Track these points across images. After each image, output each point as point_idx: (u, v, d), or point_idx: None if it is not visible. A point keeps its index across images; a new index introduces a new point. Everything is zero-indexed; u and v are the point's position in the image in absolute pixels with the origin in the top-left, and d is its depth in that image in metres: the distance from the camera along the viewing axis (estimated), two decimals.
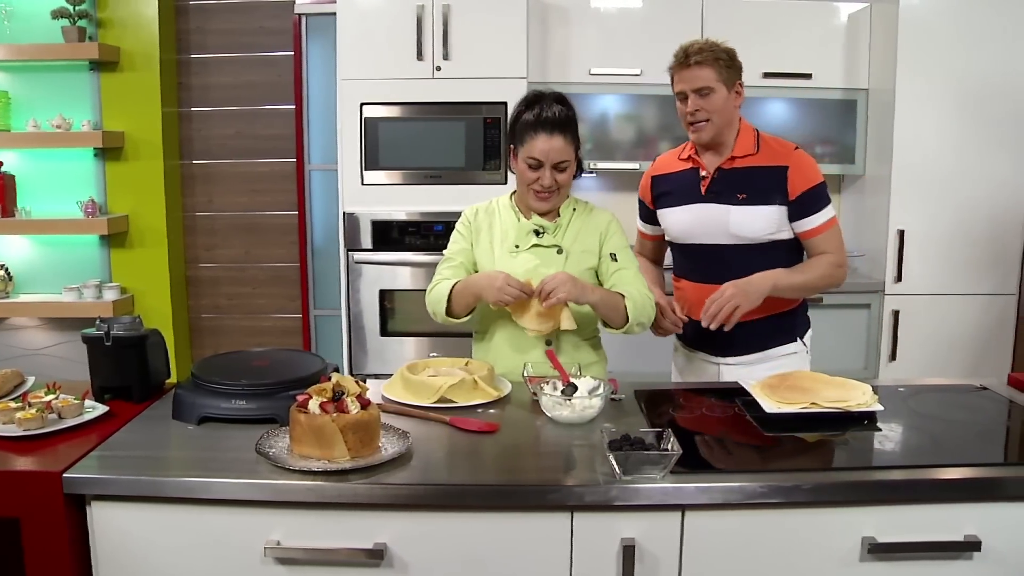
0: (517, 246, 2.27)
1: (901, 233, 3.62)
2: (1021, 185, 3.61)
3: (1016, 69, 3.53)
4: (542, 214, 2.29)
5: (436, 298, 2.27)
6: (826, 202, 2.32)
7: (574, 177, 2.30)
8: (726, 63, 2.26)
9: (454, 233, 2.38)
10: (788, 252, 2.35)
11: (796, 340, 2.42)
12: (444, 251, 2.38)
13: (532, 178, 2.20)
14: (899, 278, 3.65)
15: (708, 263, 2.38)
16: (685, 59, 2.27)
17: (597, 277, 2.32)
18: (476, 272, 2.31)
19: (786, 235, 2.33)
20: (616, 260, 2.29)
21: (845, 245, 4.14)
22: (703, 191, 2.35)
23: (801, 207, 2.30)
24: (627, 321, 2.20)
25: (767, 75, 3.77)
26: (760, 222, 2.30)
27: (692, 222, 2.38)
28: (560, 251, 2.27)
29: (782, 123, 3.99)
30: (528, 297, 2.14)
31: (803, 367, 2.34)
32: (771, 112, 3.99)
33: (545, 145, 2.17)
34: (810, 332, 2.48)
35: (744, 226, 2.31)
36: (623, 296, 2.20)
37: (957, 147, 3.58)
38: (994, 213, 3.61)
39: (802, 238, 2.34)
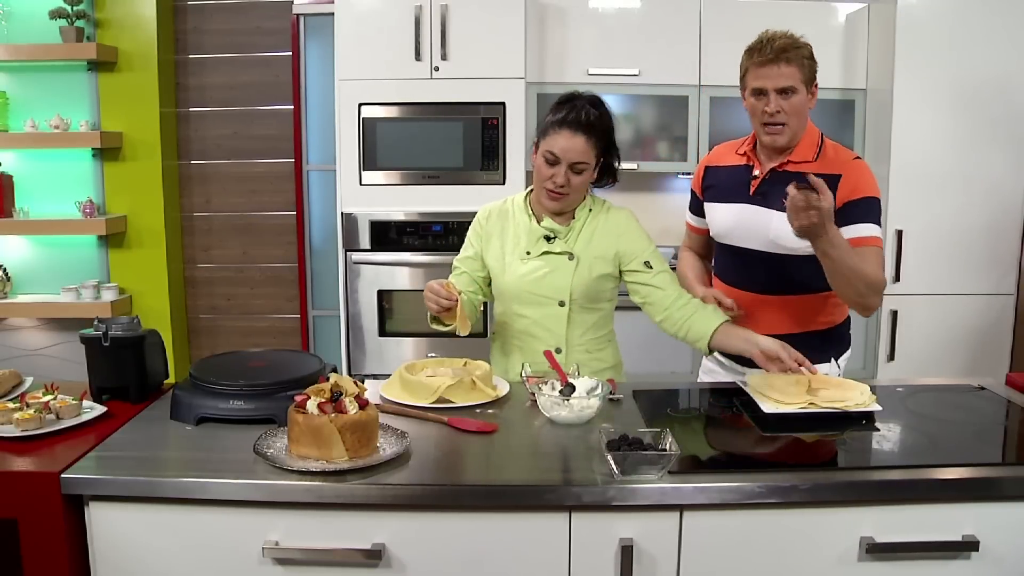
0: (528, 252, 2.24)
1: (899, 233, 3.63)
2: (1019, 185, 3.61)
3: (1013, 69, 3.53)
4: (553, 214, 2.24)
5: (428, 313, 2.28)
6: (872, 218, 2.12)
7: (605, 185, 2.28)
8: (810, 63, 2.12)
9: (467, 237, 2.36)
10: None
11: (829, 361, 2.28)
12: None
13: (546, 174, 2.15)
14: (897, 278, 3.65)
15: (744, 267, 2.27)
16: (773, 54, 2.09)
17: (619, 280, 2.29)
18: (486, 278, 2.32)
19: None
20: (651, 267, 2.22)
21: None
22: (752, 191, 2.22)
23: (843, 216, 2.09)
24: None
25: None
26: None
27: (734, 222, 2.26)
28: (571, 258, 2.23)
29: None
30: (452, 304, 2.10)
31: None
32: None
33: (566, 143, 2.12)
34: (848, 354, 2.35)
35: (784, 235, 2.11)
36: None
37: (955, 147, 3.58)
38: (992, 213, 3.62)
39: None
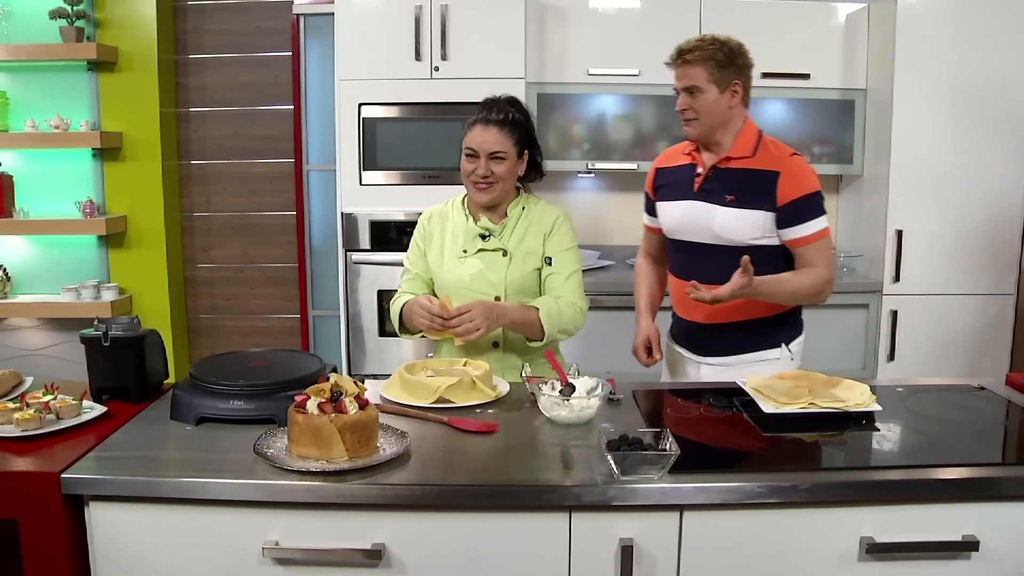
0: (465, 251, 2.32)
1: (899, 233, 3.62)
2: (1019, 185, 3.61)
3: (1013, 69, 3.53)
4: (486, 207, 2.32)
5: (392, 318, 2.36)
6: (817, 213, 2.27)
7: (531, 180, 2.39)
8: (721, 62, 2.25)
9: (411, 241, 2.44)
10: (773, 259, 2.29)
11: (780, 346, 2.39)
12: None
13: (469, 169, 2.27)
14: (897, 278, 3.65)
15: (693, 260, 2.38)
16: (678, 56, 2.28)
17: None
18: (431, 279, 2.39)
19: (771, 241, 2.30)
20: (550, 264, 2.32)
21: (844, 245, 4.15)
22: (696, 188, 2.35)
23: (789, 215, 2.26)
24: (544, 334, 2.22)
25: (765, 75, 3.75)
26: (744, 226, 2.28)
27: (682, 218, 2.39)
28: (505, 254, 2.30)
29: (780, 123, 3.99)
30: (446, 320, 2.16)
31: None
32: (769, 112, 3.98)
33: (480, 135, 2.26)
34: (800, 339, 2.44)
35: (728, 228, 2.29)
36: (537, 309, 2.22)
37: (955, 147, 3.58)
38: (992, 213, 3.62)
39: (789, 246, 2.30)
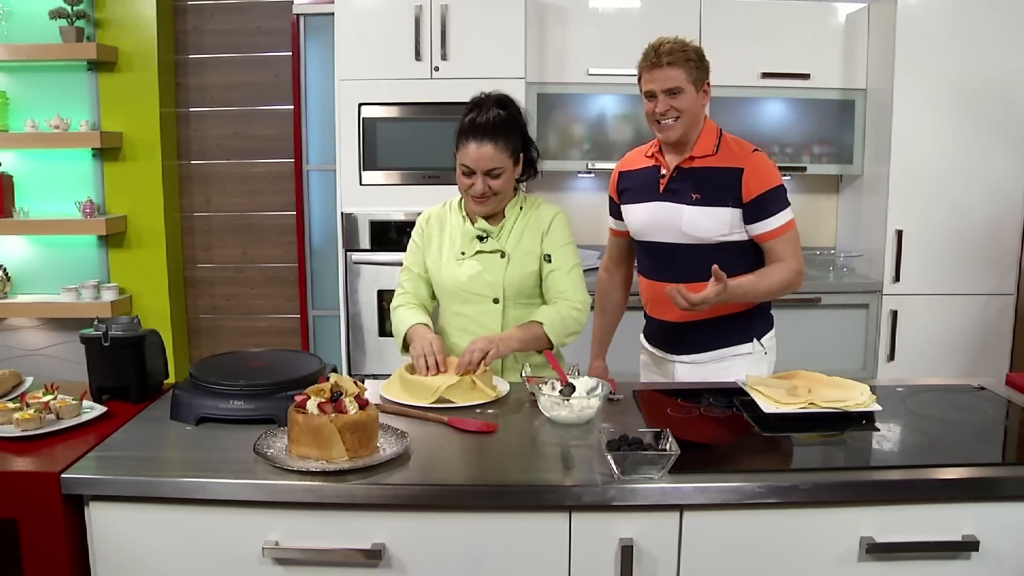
0: (463, 253, 2.30)
1: (899, 233, 3.63)
2: (1019, 185, 3.61)
3: (1013, 69, 3.53)
4: (484, 217, 2.30)
5: (395, 329, 2.32)
6: (782, 206, 2.29)
7: (528, 178, 2.36)
8: (696, 64, 2.27)
9: (410, 241, 2.42)
10: (742, 255, 2.32)
11: (752, 341, 2.40)
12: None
13: (466, 184, 2.24)
14: (897, 278, 3.65)
15: (662, 261, 2.40)
16: (656, 59, 2.26)
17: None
18: (430, 278, 2.38)
19: (739, 237, 2.31)
20: (550, 261, 2.30)
21: (844, 245, 4.15)
22: (661, 189, 2.36)
23: (755, 210, 2.28)
24: (552, 344, 2.22)
25: (765, 75, 3.78)
26: (712, 223, 2.29)
27: (649, 219, 2.40)
28: (503, 255, 2.28)
29: (780, 123, 4.00)
30: (437, 372, 2.10)
31: (760, 368, 2.34)
32: (769, 112, 3.99)
33: (475, 153, 2.19)
34: (771, 333, 2.45)
35: (696, 226, 2.30)
36: (540, 324, 2.21)
37: (955, 147, 3.58)
38: (992, 213, 3.62)
39: (758, 241, 2.31)
